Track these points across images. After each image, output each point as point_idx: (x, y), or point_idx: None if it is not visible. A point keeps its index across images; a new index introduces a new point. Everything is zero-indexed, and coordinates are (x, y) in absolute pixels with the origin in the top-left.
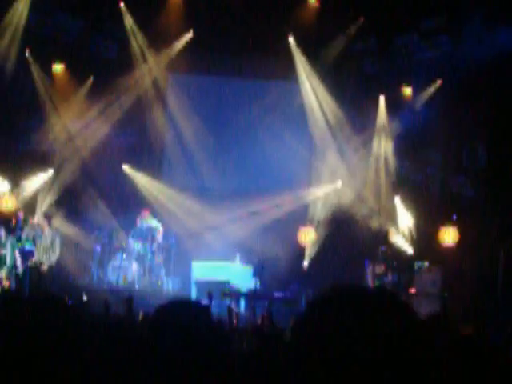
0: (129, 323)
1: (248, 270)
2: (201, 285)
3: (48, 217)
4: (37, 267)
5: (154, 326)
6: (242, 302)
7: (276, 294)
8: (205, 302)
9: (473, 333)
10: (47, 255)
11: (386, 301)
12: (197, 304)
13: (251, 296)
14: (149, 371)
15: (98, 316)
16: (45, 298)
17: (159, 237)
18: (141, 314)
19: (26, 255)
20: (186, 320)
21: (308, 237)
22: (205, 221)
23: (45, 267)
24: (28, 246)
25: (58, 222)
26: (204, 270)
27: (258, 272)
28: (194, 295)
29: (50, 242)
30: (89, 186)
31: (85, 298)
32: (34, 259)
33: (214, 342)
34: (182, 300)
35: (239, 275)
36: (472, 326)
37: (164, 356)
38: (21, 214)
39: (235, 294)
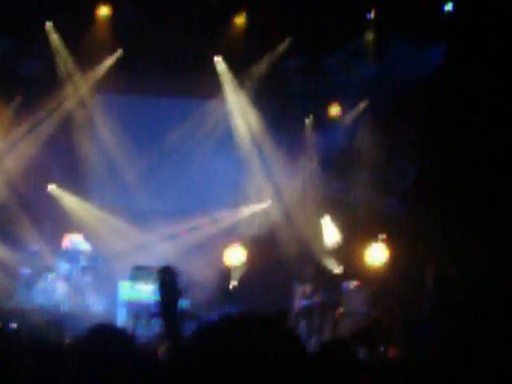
0: (56, 349)
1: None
2: (128, 306)
3: None
4: None
5: (78, 357)
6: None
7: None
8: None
9: (399, 355)
10: None
11: (271, 329)
12: (120, 333)
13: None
14: None
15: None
16: None
17: (86, 258)
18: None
19: None
20: (110, 352)
21: (235, 258)
22: (132, 241)
23: None
24: None
25: None
26: (131, 291)
27: (186, 292)
28: (121, 317)
29: None
30: (15, 206)
31: (14, 326)
32: None
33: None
34: (106, 329)
35: None
36: (398, 347)
37: None
38: None
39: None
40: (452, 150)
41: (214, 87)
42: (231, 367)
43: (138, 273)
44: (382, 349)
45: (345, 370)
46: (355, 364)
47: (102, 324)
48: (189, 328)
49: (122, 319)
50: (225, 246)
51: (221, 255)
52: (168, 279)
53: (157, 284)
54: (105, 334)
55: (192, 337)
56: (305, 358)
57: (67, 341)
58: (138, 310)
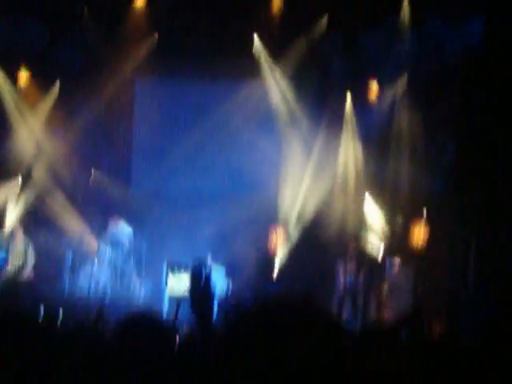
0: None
1: (221, 269)
2: (173, 288)
3: (21, 225)
4: (13, 276)
5: (118, 345)
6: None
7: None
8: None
9: (445, 331)
10: (20, 263)
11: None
12: (161, 325)
13: (223, 301)
14: None
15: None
16: (15, 318)
17: (130, 242)
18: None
19: None
20: (147, 344)
21: (278, 239)
22: (175, 222)
23: (24, 274)
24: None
25: (28, 230)
26: (175, 272)
27: (231, 272)
28: (166, 300)
29: (23, 250)
30: (58, 192)
31: (60, 312)
32: (8, 269)
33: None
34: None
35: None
36: (444, 323)
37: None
38: None
39: None
40: (492, 125)
41: (252, 68)
42: (256, 355)
43: (174, 268)
44: (427, 326)
45: (389, 351)
46: (400, 344)
47: (139, 315)
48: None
49: (167, 304)
50: (268, 227)
51: (265, 237)
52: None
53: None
54: (142, 326)
55: (221, 322)
56: (341, 343)
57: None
58: (179, 299)
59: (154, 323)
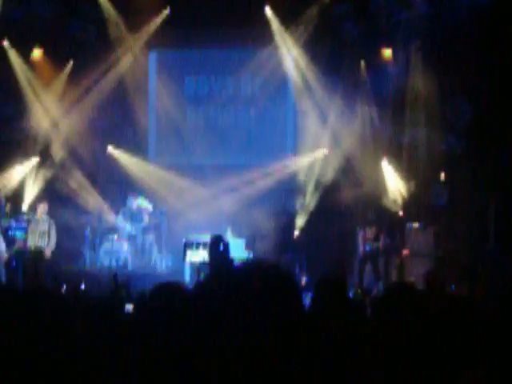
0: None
1: (240, 243)
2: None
3: (43, 202)
4: (37, 253)
5: (143, 316)
6: None
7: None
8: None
9: (467, 294)
10: (44, 241)
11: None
12: (184, 292)
13: None
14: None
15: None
16: (39, 292)
17: (149, 217)
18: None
19: (11, 242)
20: (173, 311)
21: (297, 205)
22: (194, 196)
23: (47, 253)
24: (19, 233)
25: (49, 209)
26: (193, 249)
27: (251, 244)
28: (187, 272)
29: (47, 228)
30: (75, 169)
31: (82, 287)
32: (30, 245)
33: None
34: (170, 288)
35: (232, 248)
36: (466, 286)
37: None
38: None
39: None
40: (507, 85)
41: (265, 37)
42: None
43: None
44: (451, 288)
45: (409, 312)
46: (419, 306)
47: (165, 283)
48: None
49: (189, 274)
50: (286, 194)
51: (283, 204)
52: (220, 250)
53: (209, 255)
54: (168, 293)
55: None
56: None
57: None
58: (200, 267)
59: (180, 292)
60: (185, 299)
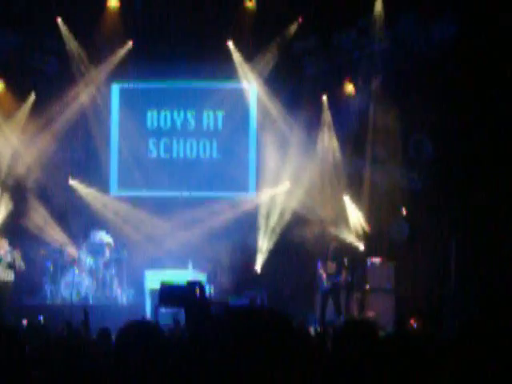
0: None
1: (202, 277)
2: (155, 295)
3: (2, 239)
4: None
5: (117, 355)
6: None
7: (231, 301)
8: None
9: (422, 328)
10: (8, 273)
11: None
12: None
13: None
14: None
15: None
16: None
17: (110, 250)
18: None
19: None
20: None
21: (258, 241)
22: (155, 228)
23: (9, 285)
24: None
25: (7, 243)
26: (157, 280)
27: (212, 278)
28: (148, 306)
29: (11, 260)
30: (37, 202)
31: (41, 320)
32: None
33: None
34: (140, 325)
35: None
36: (422, 321)
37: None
38: None
39: None
40: (468, 121)
41: (228, 70)
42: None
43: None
44: (408, 324)
45: (368, 347)
46: (378, 341)
47: (132, 321)
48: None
49: (150, 309)
50: (247, 229)
51: (244, 239)
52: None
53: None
54: (135, 331)
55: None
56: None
57: (94, 335)
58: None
59: (150, 331)
60: (162, 345)
